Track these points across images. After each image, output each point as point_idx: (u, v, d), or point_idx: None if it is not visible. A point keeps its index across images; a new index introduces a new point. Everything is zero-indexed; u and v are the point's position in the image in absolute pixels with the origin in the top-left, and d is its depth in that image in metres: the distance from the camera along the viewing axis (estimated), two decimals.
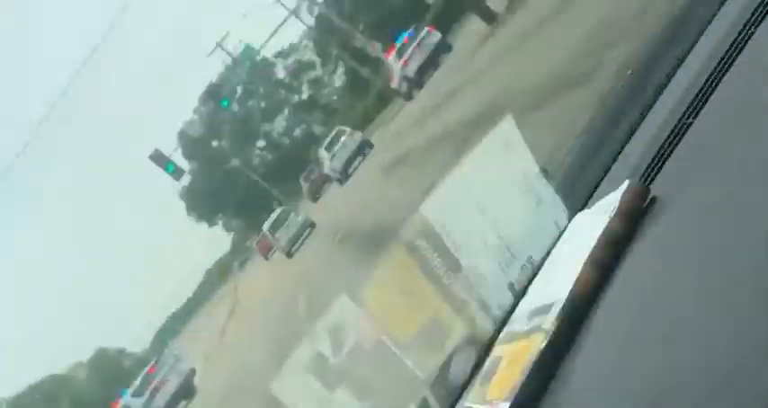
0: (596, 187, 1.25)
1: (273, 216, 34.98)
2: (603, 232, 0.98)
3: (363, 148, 33.50)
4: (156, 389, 25.07)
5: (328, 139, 35.37)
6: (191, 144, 71.21)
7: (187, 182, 75.04)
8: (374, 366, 1.09)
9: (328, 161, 33.95)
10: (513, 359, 0.95)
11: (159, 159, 32.28)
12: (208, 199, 73.86)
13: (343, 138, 33.77)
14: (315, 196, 41.76)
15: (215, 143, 75.90)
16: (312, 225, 32.82)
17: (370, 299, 1.11)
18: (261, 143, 77.64)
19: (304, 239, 32.65)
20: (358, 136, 34.54)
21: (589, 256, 0.97)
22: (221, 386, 20.40)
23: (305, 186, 42.09)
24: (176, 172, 32.97)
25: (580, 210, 1.18)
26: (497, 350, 1.03)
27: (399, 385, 1.09)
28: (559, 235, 1.16)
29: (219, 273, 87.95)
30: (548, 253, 1.15)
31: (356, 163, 33.19)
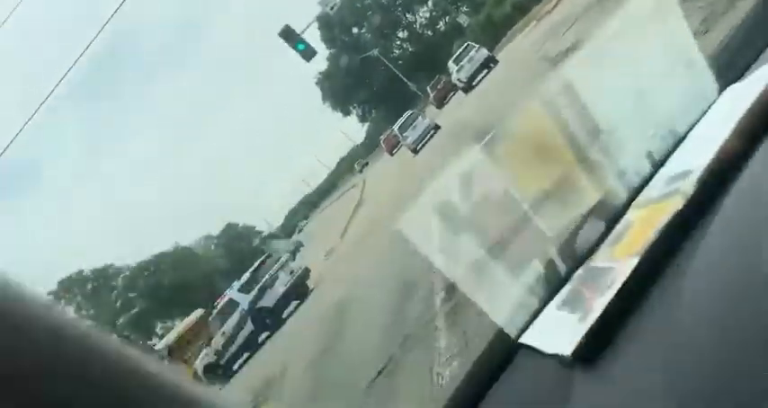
0: (755, 60, 1.06)
1: (403, 117, 38.08)
2: (756, 100, 0.85)
3: (489, 63, 35.24)
4: (265, 286, 22.39)
5: (457, 53, 37.05)
6: (330, 28, 68.25)
7: (324, 69, 72.50)
8: (502, 218, 1.01)
9: (455, 72, 35.95)
10: (646, 221, 0.90)
11: (289, 36, 28.70)
12: (344, 88, 71.75)
13: (471, 53, 35.33)
14: (441, 103, 43.55)
15: (355, 30, 72.88)
16: (437, 127, 35.35)
17: (501, 152, 1.02)
18: (403, 34, 74.29)
19: (429, 139, 34.94)
20: (484, 52, 35.82)
21: (737, 124, 0.85)
22: (336, 289, 18.15)
23: (432, 93, 44.13)
24: (307, 51, 29.43)
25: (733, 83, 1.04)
26: (629, 215, 0.97)
27: (526, 241, 1.00)
28: (708, 108, 1.03)
29: (350, 163, 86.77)
30: (693, 126, 1.02)
31: (481, 76, 35.12)
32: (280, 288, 22.27)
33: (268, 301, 22.25)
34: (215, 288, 53.27)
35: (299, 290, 22.75)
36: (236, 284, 23.68)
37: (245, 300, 22.59)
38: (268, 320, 22.34)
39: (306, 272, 23.06)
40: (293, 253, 40.51)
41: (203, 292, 54.61)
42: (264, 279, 22.53)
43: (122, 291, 57.36)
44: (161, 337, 54.47)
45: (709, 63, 1.06)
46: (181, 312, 56.23)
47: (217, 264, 65.67)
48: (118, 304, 57.13)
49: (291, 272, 22.79)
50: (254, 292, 22.51)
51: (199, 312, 38.69)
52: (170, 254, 60.07)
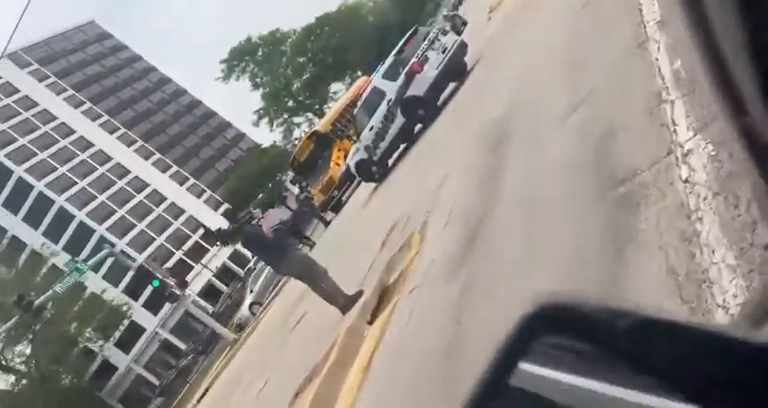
0: None
1: None
2: None
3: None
4: (413, 71, 17.13)
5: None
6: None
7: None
8: None
9: None
10: None
11: None
12: None
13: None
14: None
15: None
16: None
17: None
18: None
19: None
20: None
21: None
22: (501, 65, 13.31)
23: None
24: None
25: None
26: None
27: None
28: None
29: None
30: None
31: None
32: (430, 73, 16.93)
33: (417, 89, 17.08)
34: (386, 44, 47.88)
35: (454, 70, 17.34)
36: (380, 70, 18.53)
37: (391, 89, 17.57)
38: (420, 111, 17.37)
39: (461, 49, 17.36)
40: (455, 6, 33.89)
41: (372, 51, 49.58)
42: (411, 62, 17.15)
43: (291, 56, 53.73)
44: (335, 100, 51.83)
45: None
46: (351, 73, 52.88)
47: (386, 18, 59.54)
48: (289, 70, 53.83)
49: (444, 51, 17.18)
50: (400, 79, 17.34)
51: (361, 81, 34.34)
52: (335, 14, 54.74)
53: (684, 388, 0.55)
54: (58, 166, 77.36)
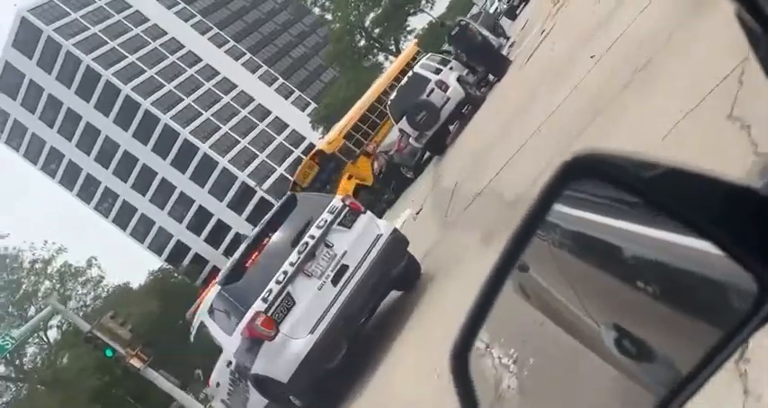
0: None
1: None
2: None
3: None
4: (256, 336, 6.41)
5: None
6: None
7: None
8: None
9: None
10: None
11: None
12: None
13: None
14: None
15: None
16: None
17: None
18: None
19: None
20: None
21: None
22: None
23: None
24: None
25: None
26: None
27: None
28: None
29: None
30: None
31: None
32: (298, 336, 6.03)
33: (271, 366, 6.26)
34: None
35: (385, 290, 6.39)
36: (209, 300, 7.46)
37: (228, 346, 6.77)
38: (293, 398, 6.62)
39: (396, 244, 6.26)
40: None
41: None
42: (253, 311, 6.23)
43: None
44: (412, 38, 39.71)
45: None
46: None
47: None
48: (361, 5, 41.48)
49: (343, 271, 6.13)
50: (236, 335, 6.49)
51: (392, 67, 23.13)
52: None
53: (697, 227, 0.56)
54: (165, 83, 69.82)
